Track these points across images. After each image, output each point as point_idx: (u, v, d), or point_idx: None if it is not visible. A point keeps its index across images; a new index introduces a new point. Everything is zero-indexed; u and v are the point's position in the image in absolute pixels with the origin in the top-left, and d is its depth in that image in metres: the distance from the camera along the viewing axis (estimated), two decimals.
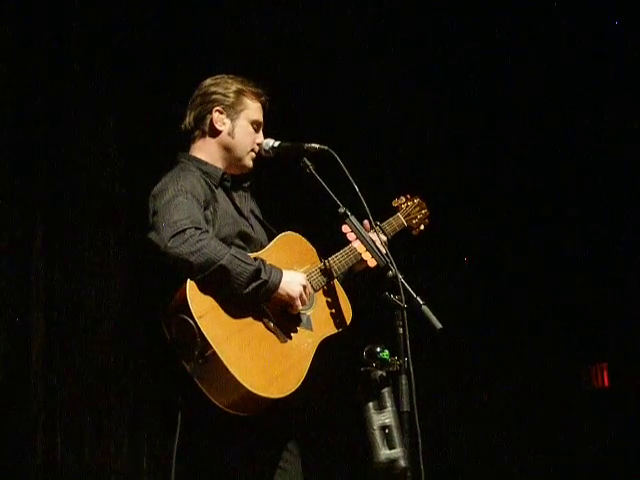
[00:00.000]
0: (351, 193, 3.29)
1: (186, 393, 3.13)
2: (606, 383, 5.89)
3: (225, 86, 3.48)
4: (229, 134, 3.47)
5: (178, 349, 3.09)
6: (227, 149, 3.48)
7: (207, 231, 3.17)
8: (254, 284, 3.15)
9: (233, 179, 3.51)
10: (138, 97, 4.82)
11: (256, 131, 3.51)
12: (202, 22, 5.05)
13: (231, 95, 3.47)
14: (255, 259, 3.21)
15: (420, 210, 3.91)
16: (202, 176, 3.38)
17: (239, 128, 3.47)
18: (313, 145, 3.42)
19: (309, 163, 3.41)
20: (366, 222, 3.47)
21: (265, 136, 3.54)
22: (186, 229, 3.08)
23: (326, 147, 3.39)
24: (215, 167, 3.45)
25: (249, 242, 3.40)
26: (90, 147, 4.79)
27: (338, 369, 4.31)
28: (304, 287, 3.27)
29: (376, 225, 3.58)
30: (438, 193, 5.35)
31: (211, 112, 3.45)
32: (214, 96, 3.47)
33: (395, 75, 5.62)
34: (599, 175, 5.71)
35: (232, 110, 3.46)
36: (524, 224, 5.84)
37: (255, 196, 3.67)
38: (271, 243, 3.45)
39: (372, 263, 3.38)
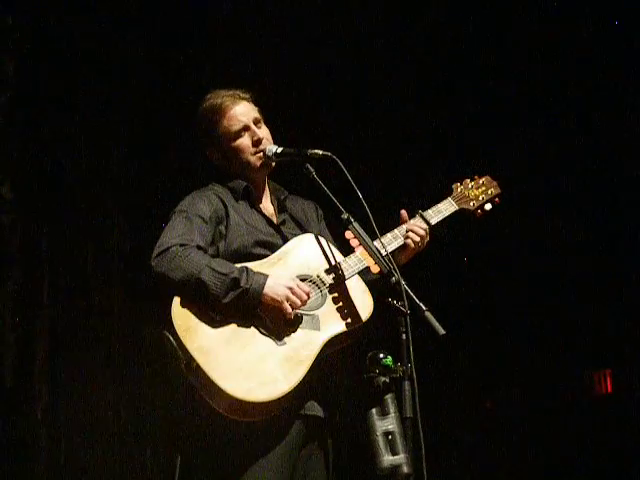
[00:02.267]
0: (356, 199, 3.30)
1: (192, 401, 3.18)
2: (609, 389, 5.88)
3: (200, 122, 3.59)
4: (227, 161, 3.57)
5: (174, 362, 3.16)
6: (236, 170, 3.57)
7: (198, 246, 3.26)
8: (232, 294, 3.19)
9: (267, 190, 3.61)
10: None
11: (245, 135, 3.54)
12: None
13: (207, 130, 3.57)
14: (239, 268, 3.24)
15: (486, 190, 3.85)
16: (218, 193, 3.49)
17: (229, 153, 3.56)
18: (316, 151, 3.42)
19: (312, 169, 3.42)
20: (403, 212, 3.55)
21: (269, 123, 3.59)
22: (170, 247, 3.21)
23: (329, 153, 3.40)
24: (239, 182, 3.55)
25: (273, 249, 3.43)
26: None
27: (343, 376, 4.31)
28: (291, 289, 3.26)
29: (417, 213, 3.61)
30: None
31: (205, 152, 3.60)
32: (201, 139, 3.60)
33: (395, 80, 5.62)
34: (603, 174, 5.70)
35: (215, 142, 3.56)
36: (528, 227, 5.84)
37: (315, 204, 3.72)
38: (284, 246, 3.46)
39: (375, 269, 3.37)
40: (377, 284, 3.45)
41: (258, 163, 3.54)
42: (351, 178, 3.28)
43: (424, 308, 3.11)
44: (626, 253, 5.66)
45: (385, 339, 3.14)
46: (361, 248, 3.43)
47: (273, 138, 3.58)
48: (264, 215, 3.54)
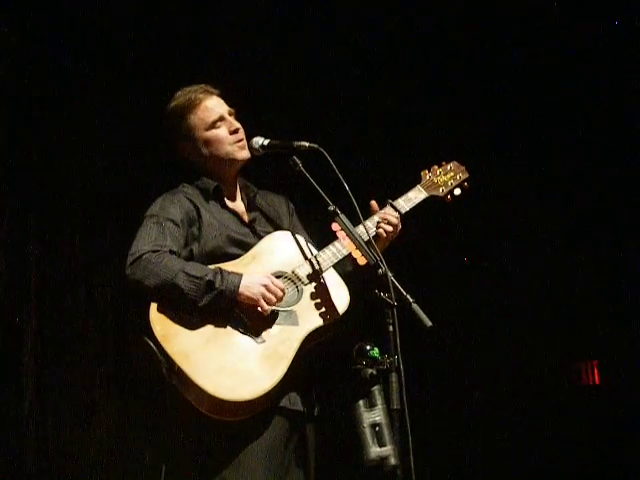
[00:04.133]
0: (342, 190, 3.29)
1: (176, 403, 3.19)
2: (597, 380, 5.89)
3: (169, 117, 3.57)
4: (200, 156, 3.55)
5: (157, 366, 3.16)
6: (210, 165, 3.55)
7: (170, 251, 3.27)
8: (208, 296, 3.20)
9: (237, 188, 3.59)
10: None
11: (221, 126, 3.53)
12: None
13: (177, 123, 3.55)
14: (213, 270, 3.24)
15: (455, 175, 3.87)
16: (188, 195, 3.47)
17: (203, 145, 3.54)
18: (303, 143, 3.42)
19: (298, 161, 3.41)
20: (373, 203, 3.51)
21: (247, 122, 3.58)
22: (143, 254, 3.22)
23: (316, 145, 3.40)
24: (208, 182, 3.53)
25: (246, 248, 3.43)
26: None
27: (328, 367, 4.31)
28: (266, 286, 3.27)
29: (387, 203, 3.61)
30: None
31: (176, 147, 3.57)
32: (169, 134, 3.57)
33: (384, 72, 5.61)
34: (600, 171, 5.71)
35: (186, 135, 3.54)
36: (518, 221, 5.84)
37: (286, 200, 3.75)
38: (257, 244, 3.47)
39: (362, 261, 3.37)
40: (355, 275, 3.50)
41: (237, 154, 3.53)
42: (337, 169, 3.27)
43: (411, 300, 3.11)
44: (614, 244, 5.66)
45: (371, 331, 3.14)
46: (348, 239, 3.42)
47: (256, 130, 3.57)
48: (235, 214, 3.53)
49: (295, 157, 3.42)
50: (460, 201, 3.85)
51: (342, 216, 3.37)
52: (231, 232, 3.44)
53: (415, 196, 3.74)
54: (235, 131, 3.52)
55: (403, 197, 3.72)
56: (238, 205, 3.61)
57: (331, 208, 3.37)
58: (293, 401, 3.33)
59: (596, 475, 5.51)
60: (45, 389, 4.65)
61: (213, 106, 3.55)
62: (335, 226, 3.46)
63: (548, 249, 5.79)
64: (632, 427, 5.53)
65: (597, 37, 5.57)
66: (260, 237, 3.50)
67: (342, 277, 3.51)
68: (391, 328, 3.08)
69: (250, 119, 3.64)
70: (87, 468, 4.67)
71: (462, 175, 3.89)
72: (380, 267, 3.18)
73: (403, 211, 3.67)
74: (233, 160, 3.53)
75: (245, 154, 3.54)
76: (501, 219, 5.81)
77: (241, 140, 3.53)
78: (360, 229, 3.40)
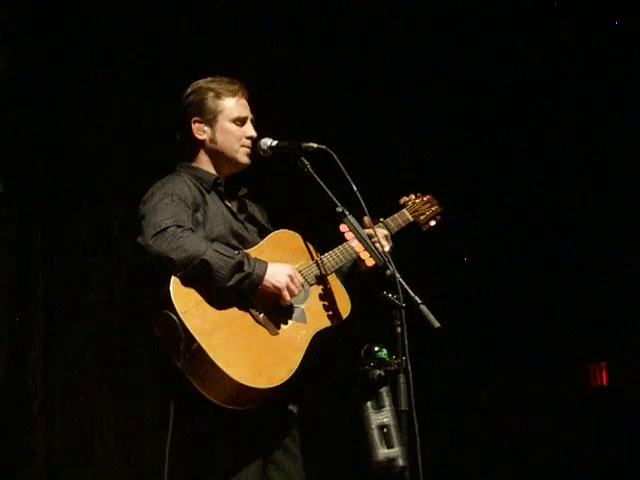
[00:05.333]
0: (350, 192, 3.29)
1: (179, 391, 3.18)
2: (605, 382, 5.88)
3: (199, 92, 3.52)
4: (211, 141, 3.51)
5: (167, 346, 3.14)
6: (214, 155, 3.52)
7: (190, 229, 3.22)
8: (237, 276, 3.18)
9: (230, 186, 3.55)
10: None
11: (241, 126, 3.52)
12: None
13: (206, 101, 3.50)
14: (238, 253, 3.24)
15: (430, 207, 3.92)
16: (193, 180, 3.44)
17: (220, 132, 3.50)
18: (311, 144, 3.42)
19: (307, 162, 3.41)
20: (366, 219, 3.48)
21: (257, 126, 3.55)
22: (168, 227, 3.15)
23: (324, 146, 3.40)
24: (208, 173, 3.51)
25: (244, 242, 3.43)
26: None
27: (336, 368, 4.31)
28: (291, 278, 3.29)
29: (379, 221, 3.62)
30: (438, 193, 5.37)
31: (190, 123, 3.50)
32: (190, 107, 3.51)
33: (396, 70, 5.61)
34: (600, 175, 5.70)
35: (209, 116, 3.50)
36: (522, 222, 5.84)
37: (260, 204, 3.72)
38: (264, 240, 3.48)
39: (370, 262, 3.38)
40: (355, 275, 3.55)
41: (241, 157, 3.53)
42: (346, 171, 3.27)
43: (419, 301, 3.12)
44: (621, 245, 5.65)
45: (380, 332, 3.14)
46: (356, 241, 3.43)
47: (265, 131, 3.56)
48: (230, 209, 3.52)
49: (304, 158, 3.42)
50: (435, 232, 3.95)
51: (350, 217, 3.37)
52: (232, 224, 3.44)
53: (404, 220, 3.80)
54: (250, 137, 3.53)
55: (392, 217, 3.76)
56: (231, 201, 3.59)
57: (339, 209, 3.36)
58: (284, 400, 3.35)
59: (603, 476, 5.50)
60: (53, 389, 4.67)
61: (245, 105, 3.55)
62: (343, 227, 3.46)
63: (554, 248, 5.79)
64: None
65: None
66: (252, 235, 3.50)
67: (343, 276, 3.56)
68: (399, 329, 3.08)
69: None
70: (94, 468, 4.68)
71: (437, 208, 3.95)
72: (388, 268, 3.19)
73: (394, 232, 3.71)
74: (234, 160, 3.53)
75: (247, 160, 3.54)
76: (505, 217, 5.81)
77: (250, 148, 3.53)
78: (368, 230, 3.41)
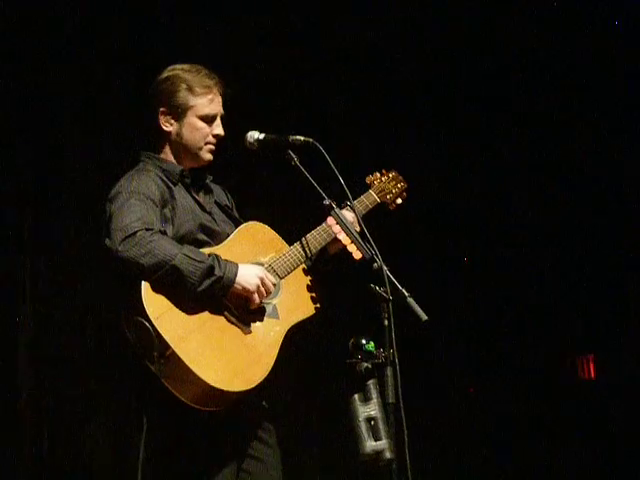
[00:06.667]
0: (337, 184, 3.29)
1: (153, 392, 3.14)
2: (592, 375, 5.90)
3: (173, 82, 3.43)
4: (177, 134, 3.45)
5: (140, 351, 3.10)
6: (178, 147, 3.46)
7: (160, 231, 3.17)
8: (208, 281, 3.15)
9: (195, 174, 3.50)
10: None
11: (210, 124, 3.46)
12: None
13: (178, 93, 3.42)
14: (209, 255, 3.21)
15: (396, 184, 3.88)
16: (159, 174, 3.39)
17: (186, 127, 3.44)
18: (298, 137, 3.40)
19: (294, 155, 3.40)
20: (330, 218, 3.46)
21: (225, 124, 3.50)
22: (137, 232, 3.10)
23: (311, 140, 3.38)
24: (173, 164, 3.45)
25: (212, 236, 3.39)
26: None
27: (323, 361, 4.31)
28: (262, 279, 3.27)
29: (346, 205, 3.49)
30: (430, 186, 5.39)
31: (158, 111, 3.44)
32: (160, 95, 3.44)
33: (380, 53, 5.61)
34: (594, 172, 5.72)
35: (178, 109, 3.43)
36: (513, 217, 5.85)
37: (227, 189, 3.68)
38: (232, 234, 3.44)
39: (357, 255, 3.36)
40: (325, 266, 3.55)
41: (204, 154, 3.48)
42: (332, 164, 3.27)
43: (406, 294, 3.11)
44: (610, 236, 5.67)
45: (367, 324, 3.14)
46: (343, 234, 3.42)
47: (251, 124, 3.53)
48: (197, 201, 3.47)
49: (291, 151, 3.41)
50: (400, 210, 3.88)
51: (337, 210, 3.37)
52: (199, 218, 3.39)
53: (369, 201, 3.76)
54: (217, 136, 3.48)
55: (359, 200, 3.72)
56: (198, 192, 3.53)
57: (326, 202, 3.36)
58: (258, 396, 3.34)
59: (591, 470, 5.52)
60: (41, 386, 4.67)
61: (217, 103, 3.48)
62: (330, 220, 3.46)
63: (545, 241, 5.80)
64: (628, 421, 5.54)
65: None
66: (220, 226, 3.46)
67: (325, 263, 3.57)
68: (386, 322, 3.08)
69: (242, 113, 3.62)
70: (84, 467, 4.68)
71: (402, 184, 3.91)
72: (375, 261, 3.18)
73: (361, 215, 3.62)
74: (197, 156, 3.47)
75: (209, 158, 3.48)
76: (497, 215, 5.83)
77: (215, 146, 3.49)
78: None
